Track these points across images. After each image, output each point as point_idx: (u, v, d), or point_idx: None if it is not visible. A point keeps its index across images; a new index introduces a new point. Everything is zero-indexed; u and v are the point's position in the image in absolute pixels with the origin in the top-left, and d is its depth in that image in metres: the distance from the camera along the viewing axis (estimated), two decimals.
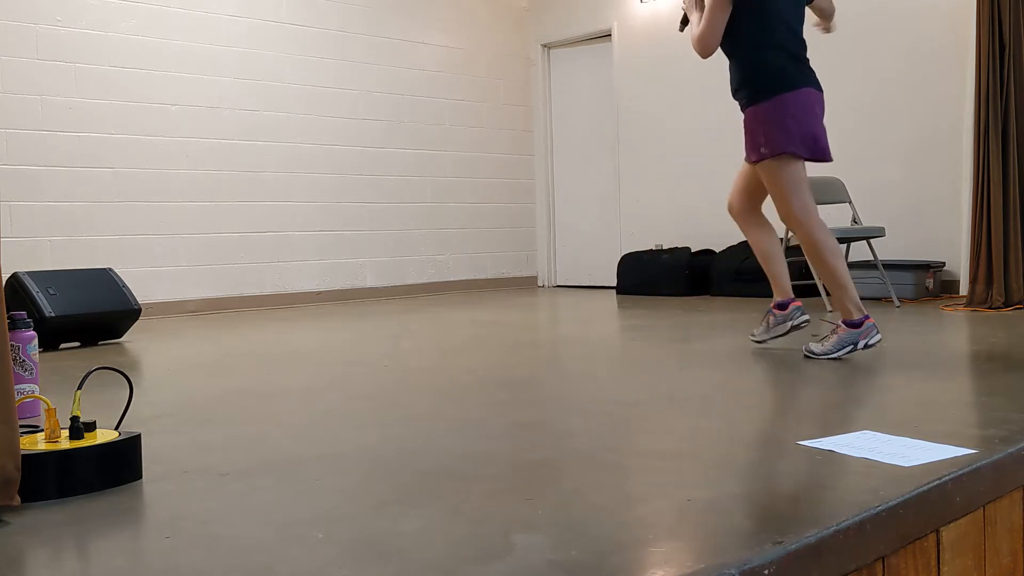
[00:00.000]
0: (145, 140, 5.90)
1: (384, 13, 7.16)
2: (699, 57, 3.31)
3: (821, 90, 3.25)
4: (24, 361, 2.48)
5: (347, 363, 3.43)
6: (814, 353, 3.12)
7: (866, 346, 3.08)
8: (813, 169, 6.62)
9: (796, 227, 3.21)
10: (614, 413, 2.30)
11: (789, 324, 3.35)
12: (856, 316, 3.09)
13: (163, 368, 3.48)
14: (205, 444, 2.07)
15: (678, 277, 6.65)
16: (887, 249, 5.71)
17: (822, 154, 3.20)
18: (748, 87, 3.25)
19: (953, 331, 3.99)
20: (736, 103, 3.43)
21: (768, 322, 3.41)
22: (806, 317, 3.36)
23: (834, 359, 3.07)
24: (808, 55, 3.28)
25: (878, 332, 3.10)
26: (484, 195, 7.85)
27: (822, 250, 3.14)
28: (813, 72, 3.24)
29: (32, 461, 1.60)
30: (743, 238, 6.76)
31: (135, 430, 1.82)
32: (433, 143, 7.48)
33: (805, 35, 3.29)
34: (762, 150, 3.19)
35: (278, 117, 6.53)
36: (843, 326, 3.10)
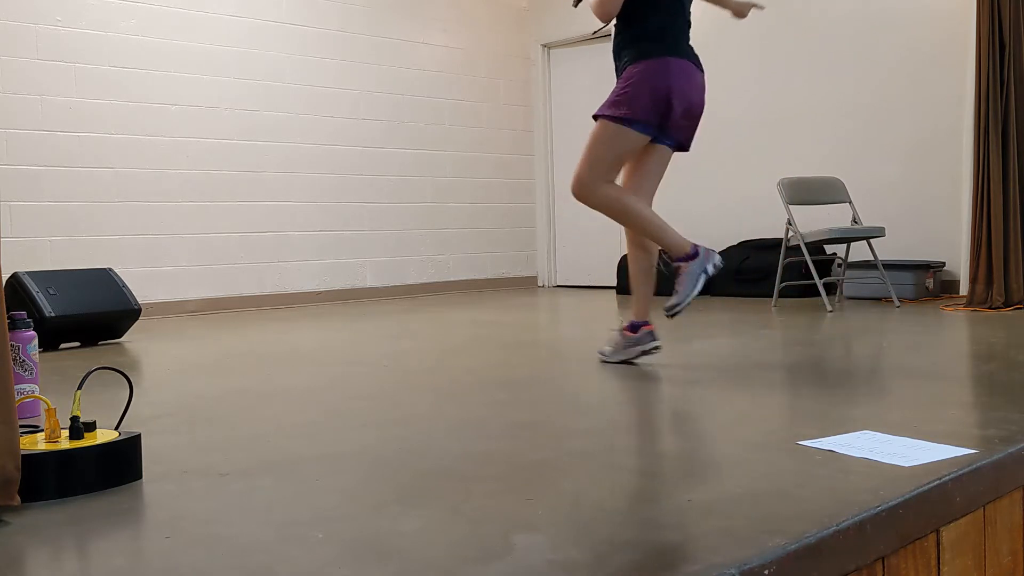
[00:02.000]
0: (145, 140, 5.90)
1: (384, 13, 7.16)
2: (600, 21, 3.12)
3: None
4: (24, 361, 2.48)
5: (347, 363, 3.43)
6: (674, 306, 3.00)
7: (714, 267, 2.98)
8: (813, 169, 6.63)
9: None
10: (614, 413, 2.30)
11: (639, 349, 3.15)
12: (688, 249, 3.01)
13: (163, 368, 3.48)
14: (205, 444, 2.07)
15: None
16: (887, 249, 5.71)
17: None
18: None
19: (953, 331, 3.99)
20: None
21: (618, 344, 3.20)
22: (658, 343, 3.16)
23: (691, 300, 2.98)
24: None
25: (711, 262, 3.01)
26: (484, 195, 7.85)
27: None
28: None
29: (32, 461, 1.60)
30: (743, 238, 6.78)
31: (135, 430, 1.82)
32: (433, 143, 7.48)
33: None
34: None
35: (278, 117, 6.53)
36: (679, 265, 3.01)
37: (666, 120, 3.04)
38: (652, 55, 3.03)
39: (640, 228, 3.09)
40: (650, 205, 3.17)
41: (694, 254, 2.99)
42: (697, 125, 3.16)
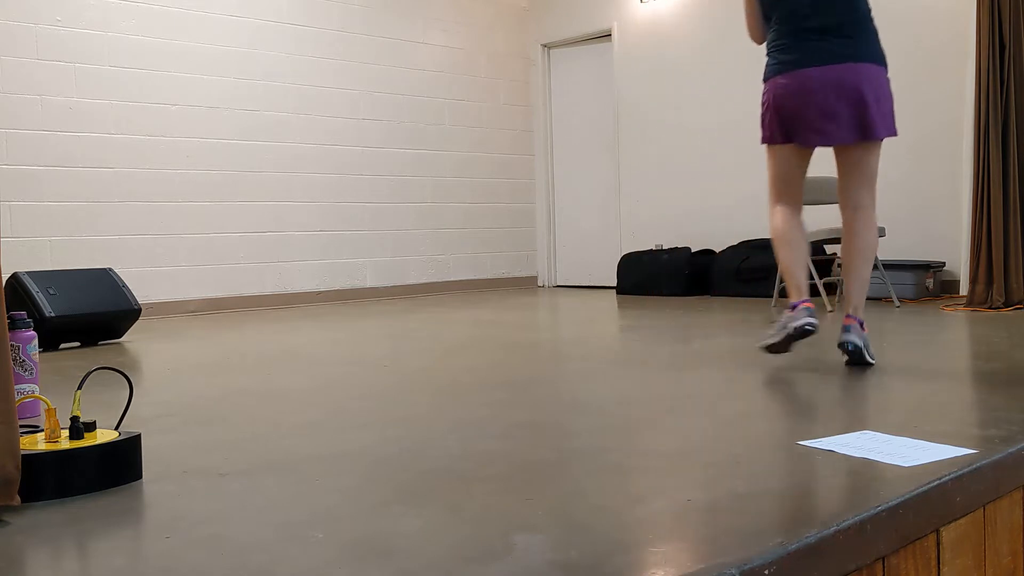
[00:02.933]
0: (145, 140, 5.90)
1: (384, 13, 7.16)
2: None
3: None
4: (24, 361, 2.48)
5: (347, 363, 3.43)
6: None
7: (795, 329, 2.96)
8: (813, 169, 6.64)
9: None
10: (614, 413, 2.30)
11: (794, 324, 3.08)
12: (792, 299, 3.06)
13: (163, 368, 3.48)
14: (205, 444, 2.07)
15: (678, 277, 6.65)
16: (887, 249, 5.71)
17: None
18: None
19: (953, 331, 3.99)
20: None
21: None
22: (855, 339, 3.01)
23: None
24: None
25: (803, 317, 2.98)
26: (484, 195, 7.86)
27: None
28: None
29: (32, 461, 1.60)
30: (743, 238, 6.78)
31: (135, 430, 1.82)
32: (433, 143, 7.48)
33: None
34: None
35: (278, 117, 6.53)
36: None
37: (789, 128, 3.13)
38: (764, 79, 3.23)
39: None
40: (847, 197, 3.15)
41: (791, 307, 3.07)
42: (854, 106, 3.06)
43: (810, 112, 3.07)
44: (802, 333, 2.99)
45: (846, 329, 2.95)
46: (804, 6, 3.11)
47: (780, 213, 3.20)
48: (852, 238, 3.10)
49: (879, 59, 3.14)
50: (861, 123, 3.06)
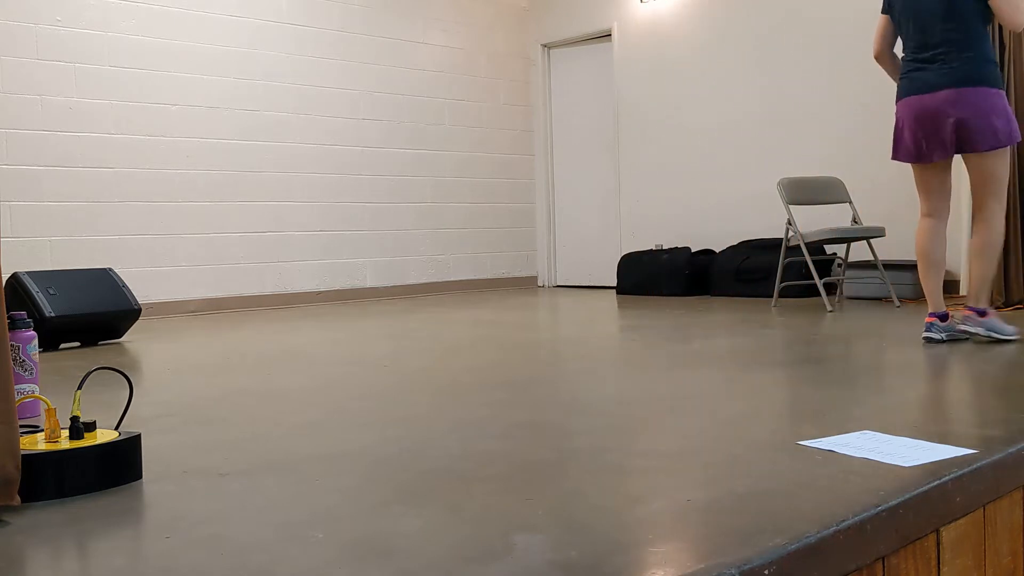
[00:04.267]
0: (145, 140, 5.90)
1: (384, 13, 7.16)
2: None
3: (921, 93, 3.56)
4: (24, 361, 2.48)
5: (347, 363, 3.43)
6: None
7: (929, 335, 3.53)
8: (813, 169, 6.62)
9: None
10: (614, 413, 2.30)
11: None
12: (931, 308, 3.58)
13: (163, 368, 3.48)
14: (205, 444, 2.07)
15: (678, 277, 6.65)
16: (887, 249, 5.71)
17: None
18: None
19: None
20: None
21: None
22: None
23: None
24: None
25: (929, 330, 3.53)
26: (484, 195, 7.86)
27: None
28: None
29: (32, 461, 1.60)
30: (743, 238, 6.78)
31: (135, 430, 1.82)
32: (433, 143, 7.48)
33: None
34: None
35: (278, 117, 6.53)
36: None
37: (921, 147, 3.58)
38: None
39: None
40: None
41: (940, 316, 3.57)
42: (944, 127, 3.49)
43: None
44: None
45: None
46: None
47: (921, 228, 3.73)
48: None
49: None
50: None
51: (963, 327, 3.48)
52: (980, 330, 3.44)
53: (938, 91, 3.46)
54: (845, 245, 5.65)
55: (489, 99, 7.89)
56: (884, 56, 3.75)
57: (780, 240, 5.54)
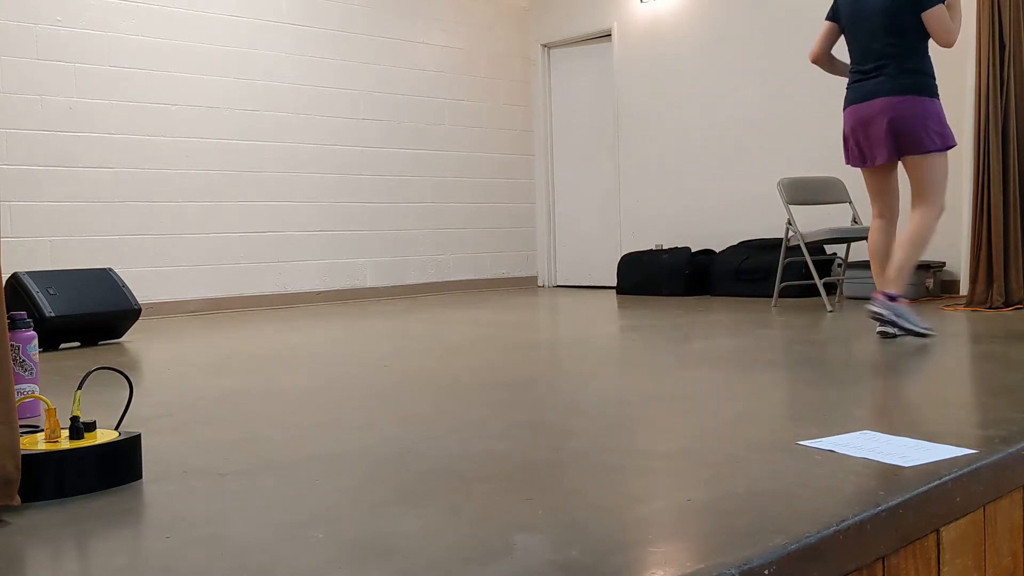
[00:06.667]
0: (145, 140, 5.90)
1: (384, 13, 7.16)
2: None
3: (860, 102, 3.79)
4: (24, 361, 2.48)
5: (347, 363, 3.43)
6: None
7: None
8: (813, 169, 6.62)
9: None
10: (614, 413, 2.30)
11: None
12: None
13: (163, 368, 3.48)
14: (205, 444, 2.07)
15: (678, 277, 6.65)
16: None
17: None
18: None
19: (953, 331, 3.99)
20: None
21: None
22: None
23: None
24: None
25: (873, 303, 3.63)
26: (484, 195, 7.86)
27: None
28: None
29: (32, 461, 1.60)
30: (743, 238, 6.78)
31: (135, 430, 1.82)
32: (433, 143, 7.48)
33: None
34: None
35: (278, 117, 6.53)
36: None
37: (864, 152, 3.83)
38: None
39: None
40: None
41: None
42: (878, 134, 3.74)
43: None
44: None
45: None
46: None
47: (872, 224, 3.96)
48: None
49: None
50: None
51: (871, 307, 3.62)
52: (887, 312, 3.57)
53: (875, 99, 3.70)
54: (845, 245, 5.65)
55: (489, 99, 7.89)
56: (821, 59, 4.00)
57: (780, 240, 5.54)
